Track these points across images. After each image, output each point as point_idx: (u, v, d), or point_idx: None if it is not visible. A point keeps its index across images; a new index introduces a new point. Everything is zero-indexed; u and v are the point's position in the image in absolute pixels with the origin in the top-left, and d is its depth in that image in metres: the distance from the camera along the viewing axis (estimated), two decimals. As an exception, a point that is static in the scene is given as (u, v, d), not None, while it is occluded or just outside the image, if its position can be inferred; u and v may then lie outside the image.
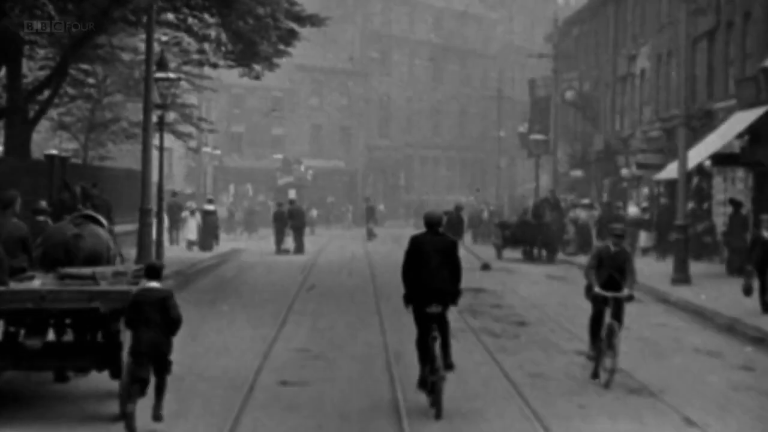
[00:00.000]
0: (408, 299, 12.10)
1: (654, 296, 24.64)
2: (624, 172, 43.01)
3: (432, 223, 12.22)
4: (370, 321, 18.93)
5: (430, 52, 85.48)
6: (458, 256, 12.22)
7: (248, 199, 71.36)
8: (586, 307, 21.93)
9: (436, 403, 11.41)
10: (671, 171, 31.49)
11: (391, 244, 49.03)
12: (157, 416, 10.29)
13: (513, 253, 35.62)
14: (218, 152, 62.31)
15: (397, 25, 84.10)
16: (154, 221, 40.15)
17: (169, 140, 43.33)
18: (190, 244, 37.55)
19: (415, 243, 12.14)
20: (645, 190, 41.83)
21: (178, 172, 68.14)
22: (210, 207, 38.88)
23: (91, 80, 35.06)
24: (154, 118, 28.41)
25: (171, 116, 38.76)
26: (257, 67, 32.09)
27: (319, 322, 18.70)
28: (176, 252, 33.98)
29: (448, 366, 11.83)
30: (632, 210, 37.71)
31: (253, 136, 75.06)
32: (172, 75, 27.68)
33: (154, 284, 10.44)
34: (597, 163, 49.55)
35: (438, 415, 11.26)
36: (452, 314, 20.01)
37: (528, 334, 17.82)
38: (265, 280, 26.94)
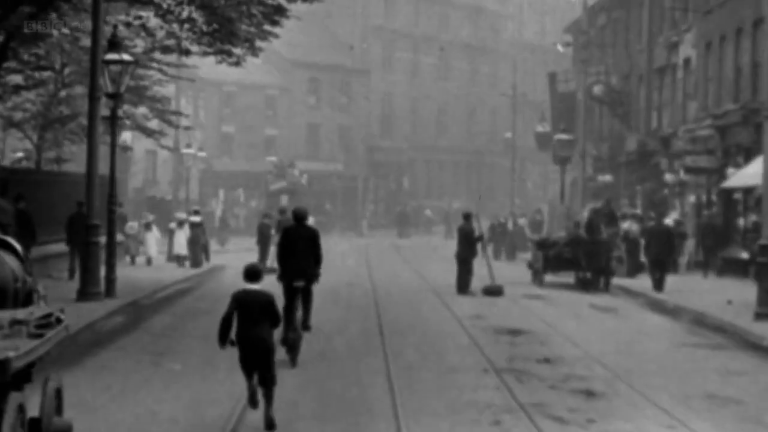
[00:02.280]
0: (280, 277, 15.21)
1: (737, 339, 19.15)
2: (668, 177, 37.28)
3: (299, 216, 15.50)
4: (375, 389, 13.35)
5: (436, 48, 79.98)
6: (320, 244, 15.35)
7: (239, 204, 66.58)
8: (664, 362, 16.40)
9: (293, 357, 14.62)
10: (747, 177, 25.82)
11: (391, 257, 43.83)
12: (269, 425, 10.86)
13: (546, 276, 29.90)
14: (203, 154, 56.81)
15: (400, 18, 78.70)
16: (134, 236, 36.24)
17: (151, 141, 38.32)
18: (179, 260, 33.53)
19: (286, 233, 15.69)
20: (692, 198, 36.35)
21: (163, 178, 62.94)
22: (196, 218, 34.69)
23: (44, 63, 29.70)
24: (106, 111, 23.15)
25: (138, 110, 33.80)
26: (237, 51, 26.72)
27: (305, 394, 13.12)
28: (132, 272, 28.57)
29: (307, 327, 15.25)
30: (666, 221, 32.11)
31: (245, 137, 69.67)
32: (126, 57, 22.14)
33: (255, 286, 10.98)
34: (628, 167, 44.00)
35: (293, 365, 14.46)
36: (492, 380, 14.52)
37: (604, 416, 12.20)
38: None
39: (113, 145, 22.81)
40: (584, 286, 27.79)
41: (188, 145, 51.14)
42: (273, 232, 33.63)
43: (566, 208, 39.56)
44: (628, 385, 14.11)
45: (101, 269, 21.81)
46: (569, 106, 48.94)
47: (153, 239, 34.07)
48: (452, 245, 28.94)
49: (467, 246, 26.76)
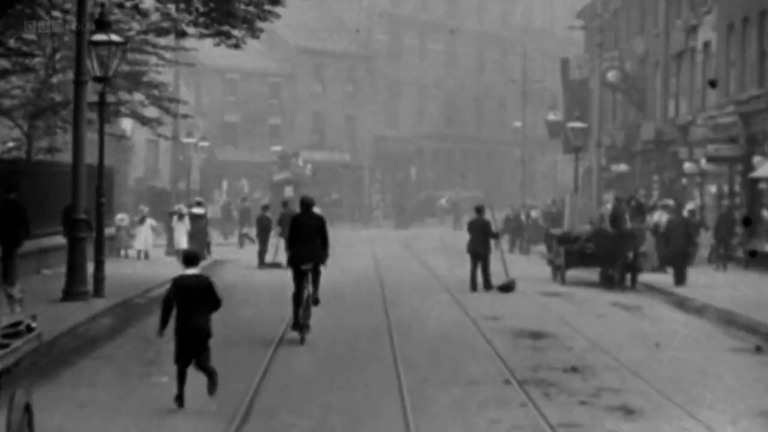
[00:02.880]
0: (289, 261, 16.66)
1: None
2: (687, 166, 35.65)
3: (306, 204, 16.87)
4: (385, 405, 11.85)
5: (443, 35, 78.23)
6: (326, 230, 16.63)
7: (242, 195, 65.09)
8: (703, 371, 15.03)
9: (302, 336, 15.97)
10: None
11: (398, 250, 42.09)
12: (211, 390, 11.56)
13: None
14: (206, 144, 55.20)
15: (407, 4, 77.01)
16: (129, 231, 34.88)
17: (149, 130, 36.81)
18: (179, 254, 31.68)
19: (295, 220, 17.05)
20: (712, 189, 34.80)
21: (165, 168, 61.41)
22: (199, 210, 33.31)
23: (32, 49, 28.19)
24: (95, 96, 21.64)
25: (134, 97, 32.28)
26: (236, 33, 25.19)
27: (307, 408, 11.61)
28: (125, 268, 27.11)
29: (315, 301, 16.68)
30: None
31: (249, 126, 68.11)
32: (115, 37, 20.62)
33: (193, 271, 11.31)
34: (644, 156, 42.42)
35: (302, 342, 15.83)
36: (516, 394, 13.00)
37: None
38: (239, 314, 19.45)
39: (101, 133, 21.34)
40: (609, 283, 26.08)
41: (189, 134, 49.53)
42: (274, 225, 32.22)
43: (590, 200, 37.81)
44: (668, 399, 12.61)
45: (89, 266, 20.32)
46: (582, 94, 47.32)
47: (146, 232, 32.54)
48: (460, 236, 27.38)
49: (482, 241, 25.13)
